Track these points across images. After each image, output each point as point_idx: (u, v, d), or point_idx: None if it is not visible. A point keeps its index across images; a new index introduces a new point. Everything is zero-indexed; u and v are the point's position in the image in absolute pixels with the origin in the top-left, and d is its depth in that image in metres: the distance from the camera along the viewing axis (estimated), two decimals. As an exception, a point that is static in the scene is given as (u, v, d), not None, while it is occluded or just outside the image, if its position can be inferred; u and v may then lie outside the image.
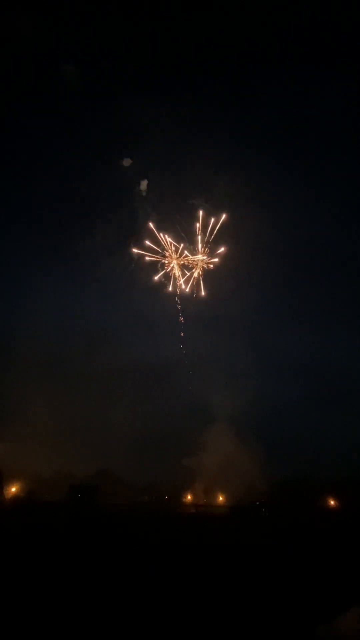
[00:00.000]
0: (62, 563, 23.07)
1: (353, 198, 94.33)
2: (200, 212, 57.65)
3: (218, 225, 57.51)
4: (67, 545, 29.23)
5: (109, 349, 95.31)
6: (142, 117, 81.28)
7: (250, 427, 78.45)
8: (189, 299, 64.29)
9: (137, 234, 60.21)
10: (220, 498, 76.91)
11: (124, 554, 26.45)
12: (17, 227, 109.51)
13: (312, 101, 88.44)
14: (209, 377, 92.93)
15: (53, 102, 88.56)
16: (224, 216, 57.75)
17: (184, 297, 64.37)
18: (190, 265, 60.51)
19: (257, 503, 71.80)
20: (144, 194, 65.97)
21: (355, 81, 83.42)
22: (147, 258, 60.08)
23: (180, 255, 58.99)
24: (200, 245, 58.16)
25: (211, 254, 58.67)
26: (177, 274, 61.12)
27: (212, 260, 58.90)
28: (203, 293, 62.36)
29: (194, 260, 59.38)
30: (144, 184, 66.79)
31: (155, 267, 60.95)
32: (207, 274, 61.11)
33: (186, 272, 61.13)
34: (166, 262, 59.97)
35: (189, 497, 78.47)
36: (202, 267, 59.94)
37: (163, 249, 59.04)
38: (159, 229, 58.52)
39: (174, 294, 63.33)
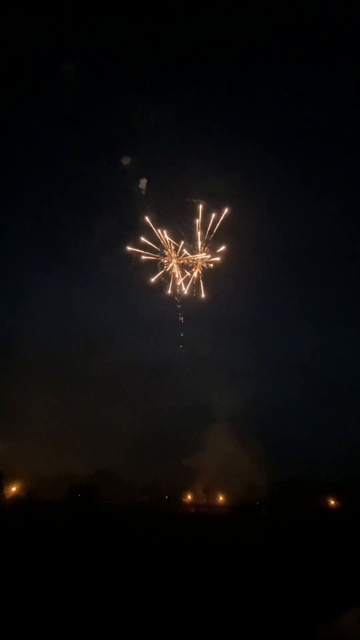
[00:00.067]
0: (62, 563, 23.07)
1: (354, 198, 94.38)
2: (200, 207, 57.45)
3: (218, 223, 57.41)
4: (67, 545, 29.23)
5: (109, 349, 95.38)
6: (141, 116, 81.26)
7: (250, 427, 78.40)
8: (189, 300, 64.32)
9: (137, 233, 60.16)
10: (220, 498, 76.91)
11: (124, 554, 26.44)
12: (17, 227, 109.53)
13: (312, 99, 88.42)
14: (209, 377, 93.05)
15: (50, 100, 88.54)
16: (226, 210, 57.50)
17: (183, 298, 64.41)
18: (190, 265, 60.45)
19: (257, 503, 71.81)
20: (144, 192, 65.92)
21: (355, 80, 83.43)
22: (147, 257, 60.08)
23: (180, 254, 58.92)
24: (199, 243, 58.08)
25: (211, 252, 58.64)
26: (176, 275, 61.09)
27: (213, 259, 58.82)
28: (203, 295, 62.26)
29: (193, 259, 59.32)
30: (143, 183, 66.74)
31: (154, 266, 60.95)
32: (207, 274, 61.07)
33: (186, 271, 61.09)
34: (165, 261, 59.93)
35: (189, 497, 78.48)
36: (202, 266, 59.89)
37: (162, 247, 59.01)
38: (159, 227, 58.49)
39: (173, 295, 63.33)
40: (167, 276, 61.67)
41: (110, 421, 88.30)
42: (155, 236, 58.76)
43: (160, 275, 61.14)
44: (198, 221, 57.32)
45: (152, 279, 61.52)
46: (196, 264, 59.89)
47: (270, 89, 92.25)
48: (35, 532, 34.71)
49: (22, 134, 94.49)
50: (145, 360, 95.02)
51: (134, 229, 61.07)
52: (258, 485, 73.58)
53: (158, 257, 59.63)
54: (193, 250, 58.81)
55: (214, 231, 57.56)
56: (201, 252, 58.51)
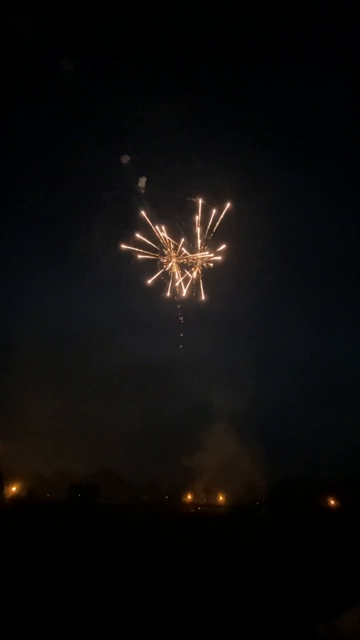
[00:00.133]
0: (62, 563, 23.08)
1: (354, 198, 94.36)
2: (200, 206, 57.31)
3: (218, 221, 57.31)
4: (67, 545, 29.24)
5: (109, 349, 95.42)
6: (141, 114, 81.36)
7: (251, 427, 78.56)
8: (189, 301, 64.21)
9: (136, 232, 60.09)
10: (221, 498, 76.95)
11: (124, 554, 26.46)
12: (17, 226, 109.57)
13: (312, 97, 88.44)
14: (209, 377, 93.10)
15: (49, 99, 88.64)
16: (227, 204, 57.38)
17: (183, 299, 64.30)
18: (190, 264, 60.34)
19: (257, 503, 71.85)
20: (143, 191, 65.87)
21: (355, 80, 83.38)
22: (147, 257, 59.99)
23: (179, 253, 58.81)
24: (199, 242, 57.97)
25: (211, 251, 58.51)
26: (176, 275, 60.97)
27: (213, 258, 58.70)
28: (203, 297, 62.11)
29: (193, 258, 59.22)
30: (142, 181, 66.70)
31: (154, 265, 60.87)
32: (206, 273, 60.99)
33: (185, 271, 60.98)
34: (165, 260, 59.82)
35: (189, 497, 78.51)
36: (202, 265, 59.78)
37: (162, 247, 58.92)
38: (158, 227, 58.41)
39: (173, 295, 63.19)
40: (167, 275, 61.62)
41: (110, 421, 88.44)
42: (155, 235, 58.74)
43: (159, 275, 61.09)
44: (198, 218, 57.23)
45: (152, 280, 61.51)
46: (196, 263, 59.81)
47: (270, 87, 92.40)
48: (35, 532, 34.73)
49: (20, 132, 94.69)
50: (145, 360, 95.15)
51: (134, 229, 61.12)
52: (258, 485, 73.64)
53: (157, 257, 59.56)
54: (192, 249, 58.76)
55: (214, 230, 57.52)
56: (201, 251, 58.44)
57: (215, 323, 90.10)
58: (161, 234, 57.90)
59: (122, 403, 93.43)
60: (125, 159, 71.94)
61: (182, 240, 57.46)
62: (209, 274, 61.09)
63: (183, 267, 60.40)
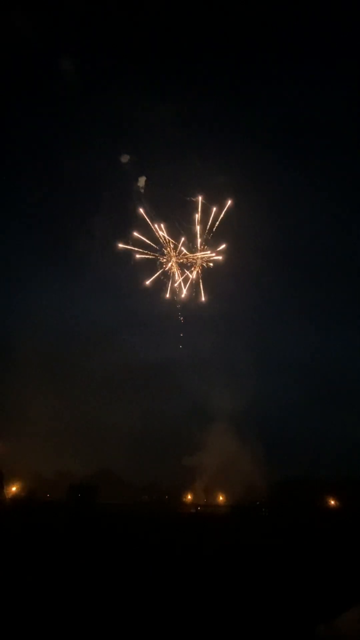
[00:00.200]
0: (62, 563, 23.08)
1: (354, 198, 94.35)
2: (200, 201, 57.21)
3: (219, 220, 57.24)
4: (67, 545, 29.23)
5: (109, 349, 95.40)
6: (141, 113, 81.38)
7: (250, 427, 78.58)
8: (189, 302, 64.16)
9: (136, 232, 60.01)
10: (221, 498, 76.94)
11: (124, 554, 26.46)
12: (16, 227, 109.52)
13: (312, 97, 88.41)
14: (209, 377, 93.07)
15: (49, 99, 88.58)
16: (228, 202, 57.29)
17: (183, 301, 64.25)
18: (189, 264, 60.29)
19: (257, 503, 71.85)
20: (143, 190, 65.83)
21: (355, 79, 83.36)
22: (146, 256, 59.96)
23: (179, 253, 58.77)
24: (199, 241, 57.92)
25: (211, 250, 58.45)
26: (176, 275, 60.91)
27: (213, 257, 58.63)
28: (203, 299, 62.02)
29: (193, 258, 59.17)
30: (142, 180, 66.65)
31: (154, 265, 60.82)
32: (206, 273, 60.94)
33: (185, 270, 60.93)
34: (164, 260, 59.77)
35: (189, 497, 78.50)
36: (202, 265, 59.72)
37: (162, 246, 58.88)
38: (159, 226, 58.36)
39: (173, 295, 63.14)
40: (167, 275, 61.56)
41: (110, 421, 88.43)
42: (155, 235, 58.72)
43: (159, 274, 61.04)
44: (197, 217, 57.17)
45: (151, 280, 61.44)
46: (195, 262, 59.76)
47: (270, 86, 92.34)
48: (35, 532, 34.71)
49: (20, 132, 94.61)
50: (145, 360, 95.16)
51: (133, 228, 61.06)
52: (258, 485, 73.64)
53: (157, 256, 59.52)
54: (192, 248, 58.72)
55: (214, 229, 57.49)
56: (201, 251, 58.39)
57: (215, 323, 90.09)
58: (161, 233, 57.91)
59: (122, 403, 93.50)
60: (125, 158, 71.93)
61: (182, 239, 57.42)
62: (209, 274, 61.11)
63: (183, 266, 60.38)
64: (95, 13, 76.03)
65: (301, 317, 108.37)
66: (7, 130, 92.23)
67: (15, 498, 66.39)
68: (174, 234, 58.12)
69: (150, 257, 59.51)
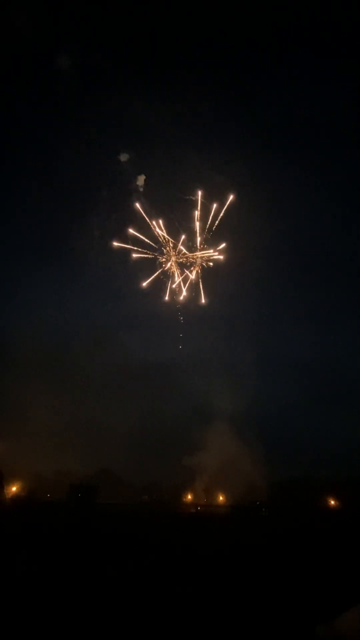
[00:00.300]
0: (62, 563, 23.08)
1: (354, 198, 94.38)
2: (199, 200, 57.02)
3: (218, 219, 57.13)
4: (67, 545, 29.23)
5: (109, 349, 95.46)
6: (140, 112, 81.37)
7: (250, 427, 78.63)
8: (189, 303, 64.05)
9: (135, 232, 59.90)
10: (221, 498, 76.93)
11: (124, 554, 26.45)
12: (15, 227, 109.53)
13: (311, 95, 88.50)
14: (209, 377, 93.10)
15: (48, 97, 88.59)
16: (228, 201, 57.08)
17: (183, 302, 64.13)
18: (189, 263, 60.18)
19: (257, 503, 71.84)
20: (142, 189, 65.73)
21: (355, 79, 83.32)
22: (146, 256, 59.87)
23: (179, 252, 58.65)
24: (198, 239, 57.77)
25: (211, 247, 58.29)
26: (175, 275, 60.79)
27: (213, 256, 58.47)
28: (203, 301, 61.82)
29: (193, 257, 59.06)
30: (141, 179, 66.53)
31: (154, 265, 60.73)
32: (206, 273, 60.81)
33: (185, 270, 60.80)
34: (164, 259, 59.66)
35: (189, 496, 78.49)
36: (201, 264, 59.59)
37: (161, 245, 58.80)
38: (157, 225, 58.28)
39: (173, 296, 63.03)
40: (166, 275, 61.44)
41: (110, 421, 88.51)
42: (154, 234, 58.64)
43: (158, 274, 60.93)
44: (197, 213, 57.00)
45: (150, 280, 61.30)
46: (195, 262, 59.65)
47: (270, 86, 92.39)
48: (35, 532, 34.69)
49: (20, 132, 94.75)
50: (145, 360, 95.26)
51: (133, 228, 60.95)
52: (258, 485, 73.64)
53: (156, 256, 59.43)
54: (192, 248, 58.62)
55: (213, 228, 57.40)
56: (200, 250, 58.31)
57: (215, 323, 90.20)
58: (160, 232, 57.83)
59: (122, 403, 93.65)
60: (124, 157, 71.81)
61: (182, 237, 57.26)
62: (209, 274, 60.99)
63: (182, 266, 60.24)
64: (95, 11, 76.10)
65: (301, 317, 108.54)
66: (6, 130, 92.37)
67: (15, 498, 66.37)
68: (174, 233, 58.10)
69: (149, 256, 59.44)
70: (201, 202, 56.99)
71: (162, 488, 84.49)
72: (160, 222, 57.61)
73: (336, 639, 11.94)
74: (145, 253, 59.18)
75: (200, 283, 60.80)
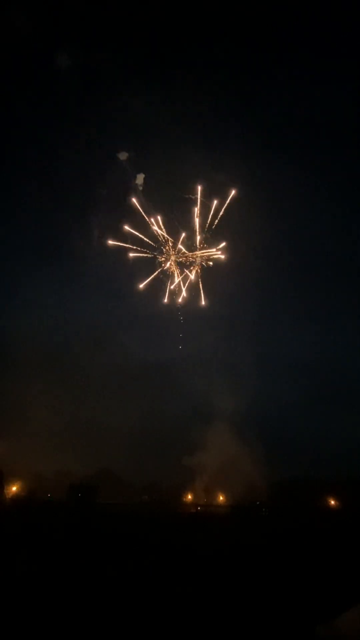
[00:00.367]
0: (62, 563, 23.09)
1: (354, 198, 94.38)
2: (199, 199, 56.73)
3: (218, 218, 56.96)
4: (67, 545, 29.23)
5: (109, 349, 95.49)
6: (140, 111, 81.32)
7: (251, 427, 78.60)
8: (189, 304, 63.91)
9: (134, 230, 59.71)
10: (221, 498, 76.93)
11: (124, 554, 26.45)
12: (14, 227, 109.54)
13: (311, 95, 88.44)
14: (209, 377, 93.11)
15: (47, 96, 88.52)
16: (229, 198, 56.75)
17: (182, 303, 63.98)
18: (188, 263, 60.06)
19: (257, 503, 71.85)
20: (141, 188, 65.51)
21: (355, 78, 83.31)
22: (146, 255, 59.78)
23: (178, 252, 58.54)
24: (198, 238, 57.58)
25: (211, 246, 58.11)
26: (175, 275, 60.69)
27: (213, 255, 58.29)
28: (203, 302, 61.63)
29: (192, 257, 58.93)
30: (140, 178, 66.33)
31: (153, 264, 60.61)
32: (206, 273, 60.69)
33: (184, 270, 60.67)
34: (163, 259, 59.53)
35: (189, 496, 78.48)
36: (201, 264, 59.45)
37: (160, 245, 58.70)
38: (157, 225, 58.19)
39: (172, 296, 62.92)
40: (165, 274, 61.30)
41: (110, 421, 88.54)
42: (153, 234, 58.56)
43: (158, 273, 60.79)
44: (196, 210, 56.79)
45: (148, 281, 61.09)
46: (195, 261, 59.53)
47: (270, 85, 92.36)
48: (35, 532, 34.70)
49: (19, 130, 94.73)
50: (145, 360, 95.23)
51: (131, 226, 60.76)
52: (258, 485, 73.63)
53: (155, 255, 59.34)
54: (191, 247, 58.49)
55: (213, 227, 57.26)
56: (200, 249, 58.18)
57: (215, 323, 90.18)
58: (160, 231, 57.76)
59: (122, 403, 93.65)
60: (124, 156, 71.57)
61: (182, 235, 57.01)
62: (209, 273, 60.88)
63: (182, 265, 60.13)
64: (95, 11, 76.05)
65: (301, 317, 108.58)
66: (6, 129, 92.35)
67: (15, 498, 66.37)
68: (173, 233, 58.02)
69: (149, 256, 59.36)
70: (201, 201, 56.86)
71: (162, 488, 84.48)
72: (160, 221, 57.55)
73: (336, 639, 11.94)
74: (145, 252, 59.14)
75: (200, 283, 60.76)
